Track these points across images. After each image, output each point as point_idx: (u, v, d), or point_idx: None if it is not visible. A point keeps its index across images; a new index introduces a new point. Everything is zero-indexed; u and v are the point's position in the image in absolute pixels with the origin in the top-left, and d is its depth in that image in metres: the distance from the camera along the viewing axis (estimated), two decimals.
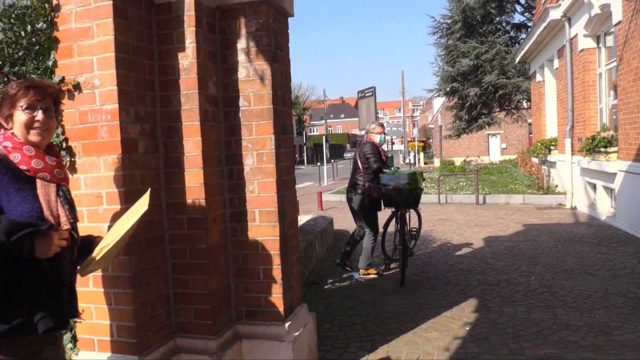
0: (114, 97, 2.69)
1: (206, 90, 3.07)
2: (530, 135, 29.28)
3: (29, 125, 1.94)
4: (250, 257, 3.37)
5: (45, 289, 1.90)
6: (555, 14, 11.52)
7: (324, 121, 62.45)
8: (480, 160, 35.21)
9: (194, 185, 3.04)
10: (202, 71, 3.02)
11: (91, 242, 2.14)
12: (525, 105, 25.32)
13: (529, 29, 20.91)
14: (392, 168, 6.41)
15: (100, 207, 2.76)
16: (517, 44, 23.85)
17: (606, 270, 5.86)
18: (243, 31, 3.17)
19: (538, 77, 16.00)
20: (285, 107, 3.52)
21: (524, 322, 4.40)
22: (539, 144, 15.17)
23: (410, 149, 42.43)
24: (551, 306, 4.75)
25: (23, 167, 1.90)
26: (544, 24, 12.31)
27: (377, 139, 6.30)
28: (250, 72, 3.21)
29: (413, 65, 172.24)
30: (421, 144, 49.96)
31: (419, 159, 38.94)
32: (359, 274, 6.21)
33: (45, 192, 1.93)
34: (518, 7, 25.43)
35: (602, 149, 9.08)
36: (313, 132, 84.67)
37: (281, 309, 3.38)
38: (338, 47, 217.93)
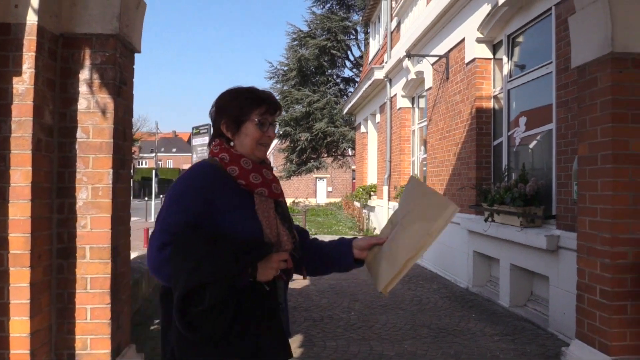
0: None
1: (41, 119, 2.92)
2: (354, 181, 31.55)
3: (259, 140, 1.79)
4: (77, 296, 3.20)
5: (268, 316, 1.69)
6: (379, 74, 12.86)
7: (154, 154, 60.22)
8: (308, 201, 36.91)
9: (20, 217, 2.83)
10: (39, 98, 2.88)
11: (318, 248, 1.99)
12: (350, 152, 27.42)
13: (357, 84, 22.89)
14: None
15: None
16: (345, 96, 25.90)
17: (414, 305, 6.59)
18: (87, 62, 3.10)
19: (362, 129, 17.47)
20: (126, 142, 3.48)
21: (344, 354, 4.76)
22: (361, 189, 16.47)
23: None
24: (368, 339, 5.20)
25: (241, 181, 1.74)
26: (369, 82, 13.64)
27: None
28: (91, 104, 3.13)
29: None
30: None
31: None
32: None
33: (263, 209, 1.74)
34: (348, 63, 27.84)
35: None
36: (142, 165, 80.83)
37: (108, 350, 3.24)
38: (173, 80, 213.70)
